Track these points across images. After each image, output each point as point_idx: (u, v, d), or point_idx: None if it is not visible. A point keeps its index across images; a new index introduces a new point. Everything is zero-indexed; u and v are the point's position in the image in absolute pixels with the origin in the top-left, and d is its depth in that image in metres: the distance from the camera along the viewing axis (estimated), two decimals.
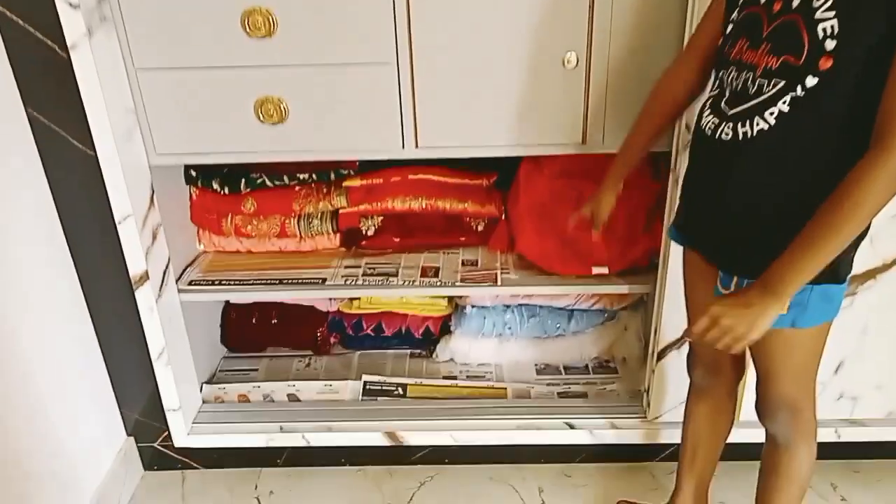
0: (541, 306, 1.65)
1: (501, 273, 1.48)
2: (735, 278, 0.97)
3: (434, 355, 1.72)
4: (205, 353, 1.65)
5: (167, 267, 1.42)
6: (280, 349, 1.77)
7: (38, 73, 1.19)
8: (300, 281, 1.48)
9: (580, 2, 1.16)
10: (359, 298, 1.67)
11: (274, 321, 1.72)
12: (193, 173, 1.52)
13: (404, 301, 1.66)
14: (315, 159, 1.33)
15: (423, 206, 1.53)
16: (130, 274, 1.34)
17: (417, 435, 1.52)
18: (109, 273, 1.35)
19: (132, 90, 1.24)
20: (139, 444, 1.58)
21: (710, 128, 0.92)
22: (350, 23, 1.18)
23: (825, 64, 0.79)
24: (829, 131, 0.83)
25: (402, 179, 1.52)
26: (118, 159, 1.24)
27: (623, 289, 1.47)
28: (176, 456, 1.60)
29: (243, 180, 1.52)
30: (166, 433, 1.53)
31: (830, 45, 0.78)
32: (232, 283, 1.48)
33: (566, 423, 1.50)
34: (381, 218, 1.57)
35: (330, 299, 1.70)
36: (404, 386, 1.62)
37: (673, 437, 1.47)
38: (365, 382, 1.63)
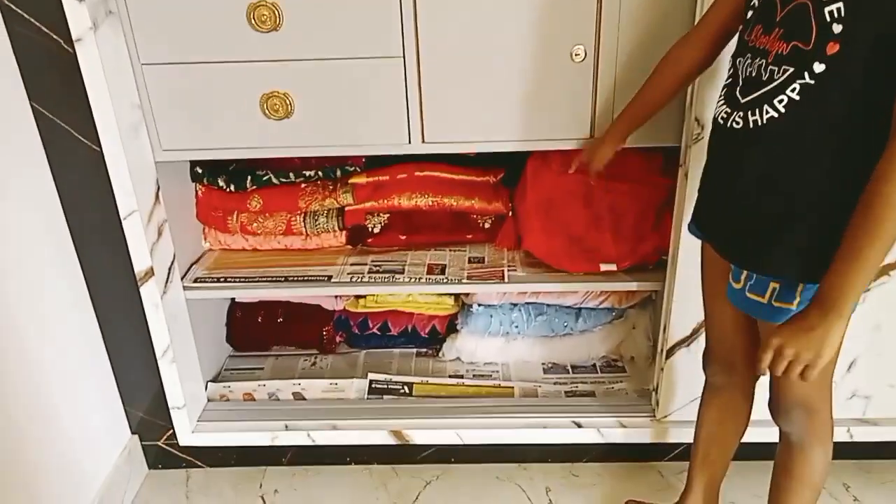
0: (548, 305, 1.64)
1: (508, 270, 1.47)
2: (745, 272, 0.95)
3: (440, 354, 1.70)
4: (210, 351, 1.64)
5: (172, 264, 1.41)
6: (286, 348, 1.76)
7: (42, 68, 1.19)
8: (306, 278, 1.47)
9: None
10: (364, 297, 1.66)
11: (279, 320, 1.71)
12: (199, 170, 1.52)
13: (410, 300, 1.65)
14: (321, 155, 1.33)
15: (430, 204, 1.52)
16: (135, 270, 1.33)
17: (423, 433, 1.50)
18: (114, 269, 1.35)
19: (138, 85, 1.24)
20: (143, 443, 1.58)
21: (722, 117, 0.91)
22: (356, 16, 1.17)
23: (832, 49, 0.78)
24: (838, 121, 0.81)
25: (408, 176, 1.51)
26: (123, 155, 1.23)
27: (632, 286, 1.45)
28: (180, 454, 1.59)
29: (249, 177, 1.51)
30: (171, 431, 1.53)
31: (837, 28, 0.77)
32: (237, 280, 1.48)
33: (574, 422, 1.48)
34: (387, 215, 1.56)
35: (336, 297, 1.69)
36: (410, 385, 1.61)
37: (682, 436, 1.46)
38: (371, 381, 1.61)
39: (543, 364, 1.68)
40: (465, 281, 1.44)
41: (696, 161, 1.18)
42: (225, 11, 1.17)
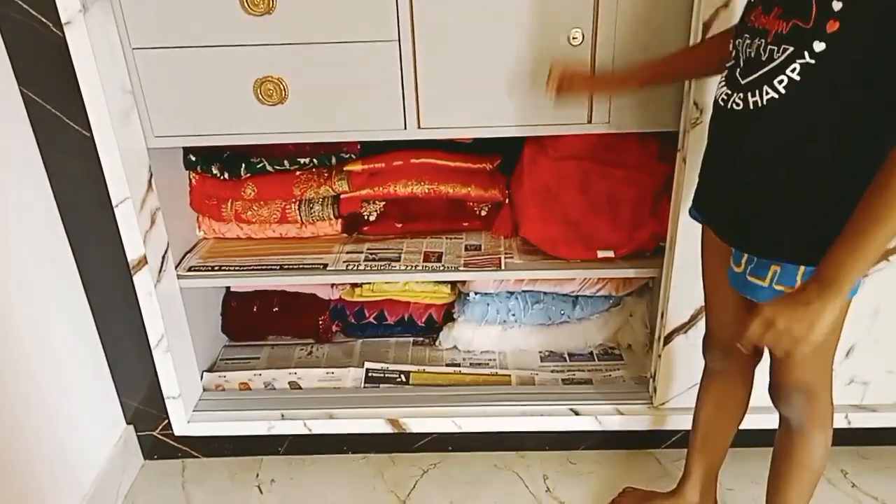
0: (545, 293, 1.63)
1: (505, 258, 1.46)
2: (745, 256, 0.95)
3: (437, 343, 1.70)
4: (205, 341, 1.63)
5: (166, 252, 1.40)
6: (281, 338, 1.75)
7: (31, 52, 1.17)
8: (301, 266, 1.46)
9: None
10: (361, 286, 1.65)
11: (275, 309, 1.70)
12: (193, 158, 1.50)
13: (407, 288, 1.64)
14: (316, 141, 1.31)
15: (426, 191, 1.51)
16: (128, 258, 1.32)
17: (420, 422, 1.50)
18: (107, 257, 1.33)
19: (129, 70, 1.22)
20: (139, 433, 1.56)
21: (723, 98, 0.90)
22: None
23: (832, 27, 0.77)
24: (838, 101, 0.80)
25: (404, 164, 1.50)
26: (115, 141, 1.21)
27: (629, 273, 1.45)
28: (176, 444, 1.58)
29: (243, 165, 1.49)
30: (166, 421, 1.51)
31: (837, 6, 0.76)
32: (232, 269, 1.46)
33: (571, 410, 1.48)
34: (383, 203, 1.55)
35: (332, 286, 1.68)
36: (407, 373, 1.60)
37: (680, 423, 1.46)
38: (367, 370, 1.60)
39: (540, 352, 1.68)
40: (461, 268, 1.43)
41: (694, 146, 1.17)
42: None
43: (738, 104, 0.87)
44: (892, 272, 1.26)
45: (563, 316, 1.65)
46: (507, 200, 1.55)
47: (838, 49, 0.77)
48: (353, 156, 1.51)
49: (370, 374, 1.60)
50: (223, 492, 1.52)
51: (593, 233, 1.43)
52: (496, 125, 1.27)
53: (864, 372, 1.39)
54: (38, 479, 1.27)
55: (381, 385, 1.58)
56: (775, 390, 1.06)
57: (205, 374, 1.59)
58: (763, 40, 0.84)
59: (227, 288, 1.70)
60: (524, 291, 1.63)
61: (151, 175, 1.33)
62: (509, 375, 1.59)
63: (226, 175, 1.50)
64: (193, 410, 1.52)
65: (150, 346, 1.41)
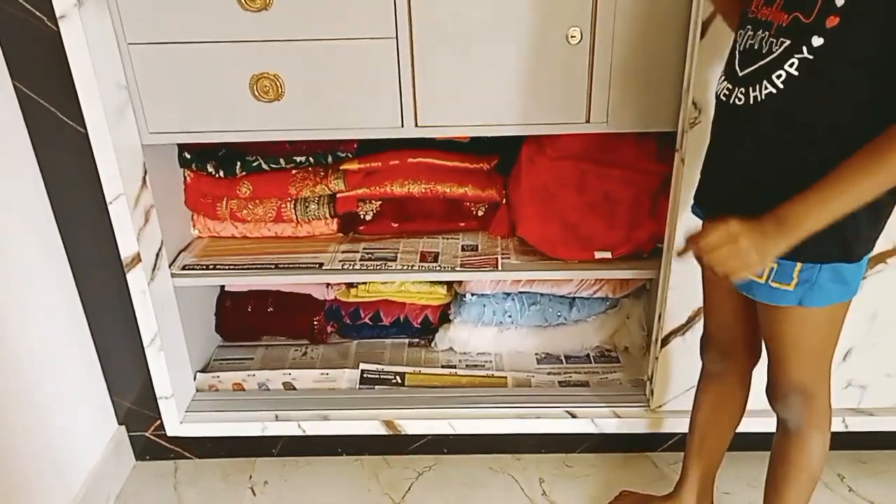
0: (542, 294, 1.62)
1: (502, 258, 1.45)
2: None
3: (433, 344, 1.68)
4: (199, 341, 1.61)
5: (160, 250, 1.39)
6: (276, 338, 1.73)
7: (25, 46, 1.16)
8: (297, 266, 1.44)
9: None
10: (356, 286, 1.64)
11: (270, 309, 1.68)
12: (188, 156, 1.49)
13: (403, 289, 1.63)
14: (312, 138, 1.30)
15: (423, 191, 1.50)
16: (122, 256, 1.30)
17: (415, 424, 1.48)
18: (100, 254, 1.32)
19: (124, 65, 1.21)
20: (131, 434, 1.55)
21: (724, 94, 0.89)
22: None
23: (832, 22, 0.76)
24: (837, 98, 0.80)
25: (400, 163, 1.49)
26: (109, 137, 1.20)
27: (627, 274, 1.44)
28: (168, 445, 1.56)
29: (239, 163, 1.48)
30: (158, 422, 1.50)
31: (840, 1, 0.75)
32: (227, 268, 1.45)
33: (567, 412, 1.47)
34: (379, 202, 1.54)
35: (327, 287, 1.67)
36: (402, 375, 1.59)
37: (676, 426, 1.45)
38: (362, 371, 1.59)
39: (537, 354, 1.67)
40: (458, 269, 1.42)
41: (693, 146, 1.16)
42: None
43: (739, 99, 0.87)
44: (889, 276, 1.26)
45: (559, 318, 1.64)
46: (504, 200, 1.54)
47: (836, 45, 0.77)
48: (349, 155, 1.50)
49: (365, 376, 1.58)
50: (216, 493, 1.50)
51: (591, 233, 1.42)
52: (494, 124, 1.26)
53: (862, 375, 1.38)
54: (26, 479, 1.25)
55: (377, 386, 1.56)
56: (773, 391, 1.06)
57: (198, 374, 1.58)
58: (766, 32, 0.83)
59: (222, 287, 1.68)
60: (521, 293, 1.62)
61: (146, 172, 1.32)
62: (505, 377, 1.58)
63: (221, 173, 1.48)
64: (186, 411, 1.50)
65: (143, 345, 1.39)
